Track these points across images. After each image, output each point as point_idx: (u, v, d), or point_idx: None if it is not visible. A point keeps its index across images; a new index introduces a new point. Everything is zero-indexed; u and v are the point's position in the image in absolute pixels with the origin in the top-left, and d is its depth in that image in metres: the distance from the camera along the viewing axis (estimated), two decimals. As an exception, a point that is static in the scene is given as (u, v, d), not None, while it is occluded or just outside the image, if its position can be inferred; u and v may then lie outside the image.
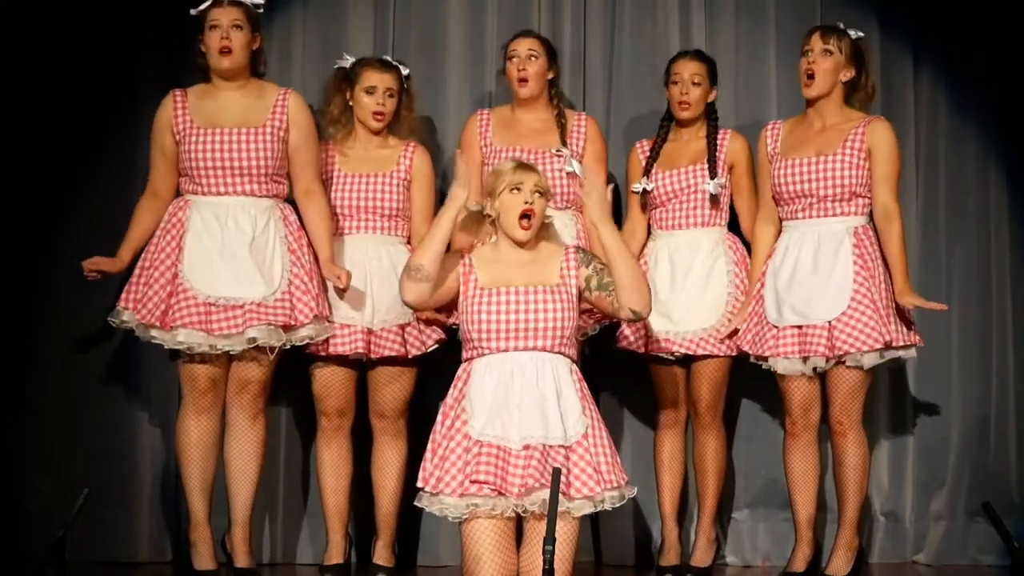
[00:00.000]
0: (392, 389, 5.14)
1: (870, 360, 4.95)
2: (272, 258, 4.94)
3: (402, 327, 5.09)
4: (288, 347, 4.95)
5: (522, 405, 4.20)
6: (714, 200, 5.20)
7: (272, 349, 4.91)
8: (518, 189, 4.35)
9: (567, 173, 5.18)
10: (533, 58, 5.24)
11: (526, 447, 4.17)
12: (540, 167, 5.11)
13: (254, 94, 5.05)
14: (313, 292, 4.96)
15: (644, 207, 5.28)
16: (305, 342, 4.98)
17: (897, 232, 4.99)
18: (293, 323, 4.91)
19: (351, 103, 5.20)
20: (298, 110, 5.05)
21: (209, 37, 4.98)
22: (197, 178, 4.94)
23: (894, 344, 4.95)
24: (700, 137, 5.29)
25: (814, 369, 4.99)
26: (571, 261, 4.39)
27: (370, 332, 5.06)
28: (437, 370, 5.06)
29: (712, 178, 5.19)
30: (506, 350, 4.27)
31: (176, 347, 4.87)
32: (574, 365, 4.35)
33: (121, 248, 4.98)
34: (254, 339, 4.85)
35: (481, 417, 4.21)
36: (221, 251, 4.89)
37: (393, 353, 5.06)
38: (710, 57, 5.34)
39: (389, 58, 5.33)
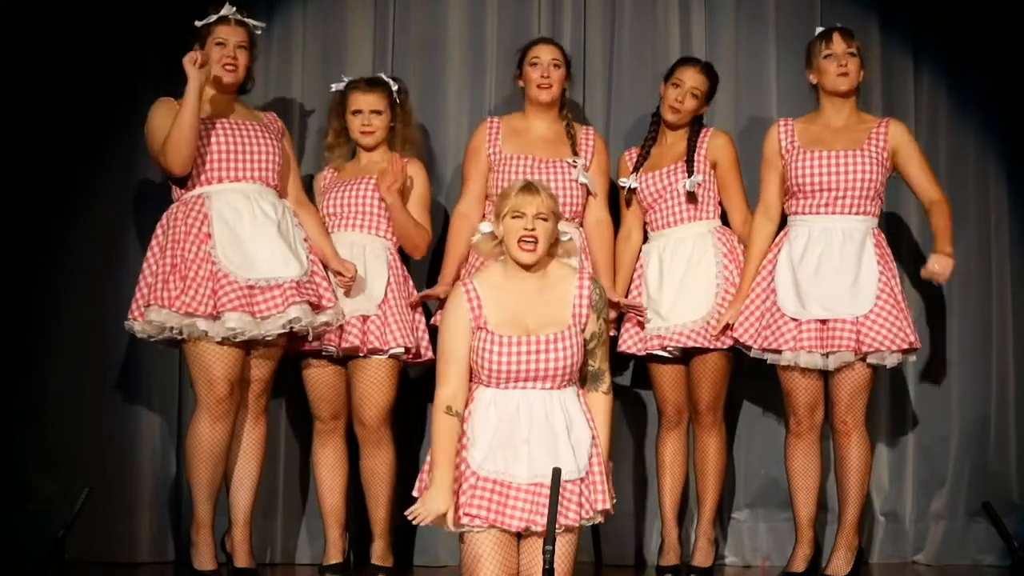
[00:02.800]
0: (371, 398, 5.11)
1: (893, 360, 4.98)
2: (296, 243, 4.98)
3: (363, 319, 5.08)
4: (310, 333, 4.94)
5: (531, 440, 4.13)
6: (690, 197, 5.20)
7: (308, 333, 4.92)
8: (520, 215, 4.21)
9: (578, 183, 5.19)
10: (556, 67, 5.26)
11: (536, 484, 4.11)
12: (551, 177, 5.15)
13: (243, 108, 5.13)
14: (328, 280, 5.01)
15: (628, 203, 5.28)
16: (321, 328, 4.98)
17: (947, 213, 5.05)
18: (321, 305, 4.94)
19: (347, 127, 5.25)
20: (285, 129, 5.18)
21: (214, 51, 5.00)
22: (214, 166, 4.93)
23: (916, 346, 4.99)
24: (684, 139, 5.30)
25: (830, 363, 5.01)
26: (584, 299, 4.24)
27: (340, 328, 5.07)
28: (429, 372, 5.04)
29: (689, 175, 5.20)
30: (514, 388, 4.21)
31: (226, 334, 4.81)
32: (578, 387, 4.30)
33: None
34: (297, 319, 4.85)
35: (482, 449, 4.15)
36: (253, 234, 4.90)
37: (348, 345, 5.03)
38: (716, 74, 5.32)
39: (382, 75, 5.33)
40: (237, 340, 4.84)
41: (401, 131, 5.27)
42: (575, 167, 5.21)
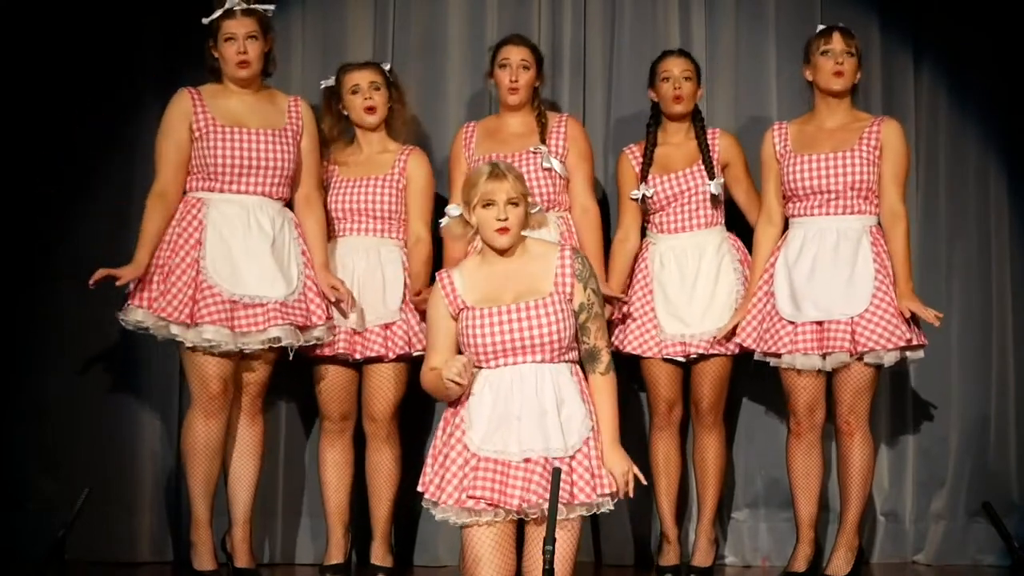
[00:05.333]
0: (381, 392, 5.14)
1: (891, 358, 4.97)
2: (289, 259, 4.97)
3: (386, 327, 5.10)
4: (295, 348, 4.96)
5: (522, 417, 4.14)
6: (715, 200, 5.21)
7: (291, 349, 4.92)
8: (491, 203, 4.21)
9: (544, 169, 5.19)
10: (525, 68, 5.26)
11: (527, 460, 4.13)
12: (519, 168, 5.14)
13: (266, 99, 5.09)
14: (323, 294, 5.00)
15: (645, 212, 5.28)
16: (313, 342, 5.00)
17: (903, 233, 5.02)
18: (308, 324, 4.94)
19: (345, 112, 5.24)
20: (309, 116, 5.11)
21: (225, 48, 4.99)
22: (217, 175, 4.94)
23: (913, 343, 4.98)
24: (691, 139, 5.30)
25: (827, 364, 5.00)
26: (567, 268, 4.24)
27: (355, 333, 5.08)
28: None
29: (711, 179, 5.21)
30: (505, 365, 4.21)
31: (202, 344, 4.84)
32: (575, 366, 4.29)
33: (138, 252, 4.90)
34: (276, 339, 4.87)
35: (480, 430, 4.16)
36: (245, 250, 4.90)
37: (374, 354, 5.08)
38: (693, 56, 5.36)
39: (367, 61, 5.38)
40: (212, 350, 4.85)
41: (399, 111, 5.27)
42: (539, 154, 5.20)
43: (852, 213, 5.05)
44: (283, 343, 4.89)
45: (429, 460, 4.26)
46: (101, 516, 5.24)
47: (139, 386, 5.48)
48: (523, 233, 4.27)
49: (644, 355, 5.20)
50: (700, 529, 5.33)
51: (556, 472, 3.93)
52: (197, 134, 4.96)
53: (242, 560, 5.06)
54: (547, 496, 4.05)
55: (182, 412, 5.35)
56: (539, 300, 4.19)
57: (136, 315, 4.88)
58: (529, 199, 4.27)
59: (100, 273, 4.85)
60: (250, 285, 4.88)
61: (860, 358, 4.97)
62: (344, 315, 5.06)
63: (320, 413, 5.24)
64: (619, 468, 4.18)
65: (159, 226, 4.93)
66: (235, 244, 4.89)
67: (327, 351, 5.07)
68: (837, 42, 5.09)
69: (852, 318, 4.95)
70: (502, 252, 4.24)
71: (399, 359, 5.12)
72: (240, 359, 4.96)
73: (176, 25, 5.37)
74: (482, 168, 4.26)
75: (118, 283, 4.85)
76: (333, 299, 4.99)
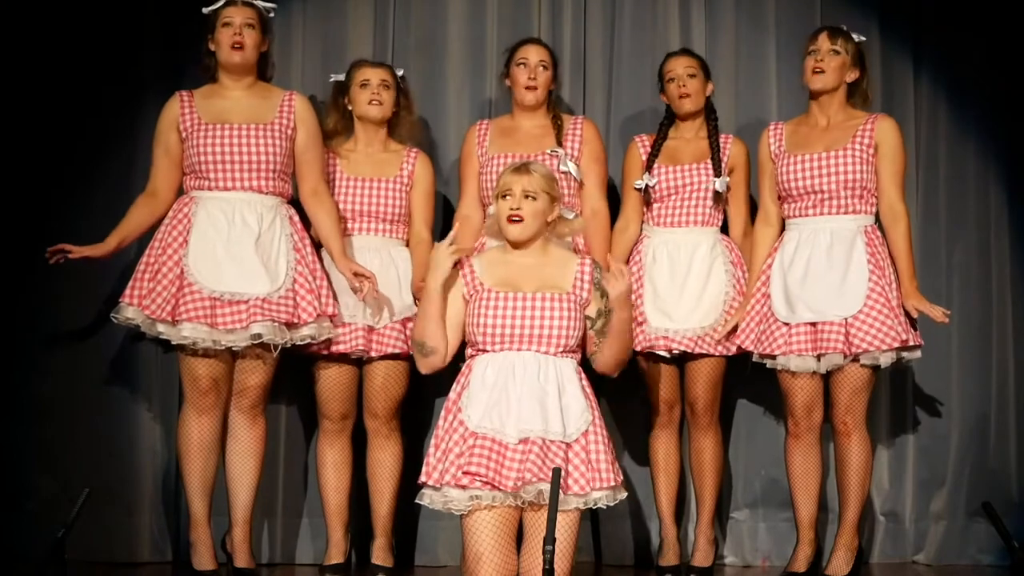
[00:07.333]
0: (385, 389, 5.15)
1: (887, 359, 4.96)
2: (277, 255, 4.96)
3: (404, 322, 5.10)
4: (289, 345, 4.95)
5: (521, 399, 4.18)
6: (718, 198, 5.21)
7: (275, 347, 4.92)
8: (508, 195, 4.32)
9: (562, 173, 5.19)
10: (543, 68, 5.26)
11: (523, 441, 4.15)
12: None
13: (260, 95, 5.09)
14: (317, 291, 4.98)
15: (648, 203, 5.28)
16: (306, 341, 4.99)
17: (904, 232, 5.01)
18: (296, 321, 4.93)
19: (349, 107, 5.23)
20: (304, 110, 5.09)
21: (221, 34, 5.01)
22: (204, 173, 4.95)
23: (910, 343, 4.97)
24: (702, 137, 5.30)
25: (821, 366, 5.00)
26: (586, 276, 4.34)
27: (371, 330, 5.08)
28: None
29: (717, 176, 5.20)
30: (509, 350, 4.26)
31: (181, 342, 4.86)
32: (579, 366, 4.33)
33: (110, 235, 4.98)
34: (258, 335, 4.86)
35: (479, 408, 4.20)
36: (227, 246, 4.90)
37: (396, 350, 5.09)
38: (697, 53, 5.37)
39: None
40: (196, 348, 4.86)
41: (406, 119, 5.30)
42: (557, 157, 5.20)
43: (846, 213, 5.04)
44: (264, 339, 4.88)
45: (431, 449, 4.27)
46: (101, 516, 5.24)
47: (139, 386, 5.48)
48: (551, 239, 4.38)
49: (635, 348, 5.20)
50: (699, 529, 5.33)
51: (556, 472, 3.94)
52: (184, 135, 4.98)
53: (242, 560, 5.06)
54: (541, 476, 4.09)
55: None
56: (559, 294, 4.26)
57: (127, 312, 4.92)
58: (561, 204, 4.38)
59: (57, 247, 4.92)
60: (231, 282, 4.88)
61: (855, 359, 4.97)
62: (371, 304, 5.04)
63: (319, 413, 5.23)
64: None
65: (138, 219, 5.00)
66: (218, 241, 4.90)
67: (343, 348, 5.06)
68: (822, 42, 5.08)
69: (846, 319, 4.95)
70: (515, 245, 4.33)
71: (403, 356, 5.12)
72: (234, 359, 4.96)
73: (177, 25, 5.37)
74: (511, 164, 4.42)
75: (71, 255, 4.93)
76: (358, 285, 4.98)
